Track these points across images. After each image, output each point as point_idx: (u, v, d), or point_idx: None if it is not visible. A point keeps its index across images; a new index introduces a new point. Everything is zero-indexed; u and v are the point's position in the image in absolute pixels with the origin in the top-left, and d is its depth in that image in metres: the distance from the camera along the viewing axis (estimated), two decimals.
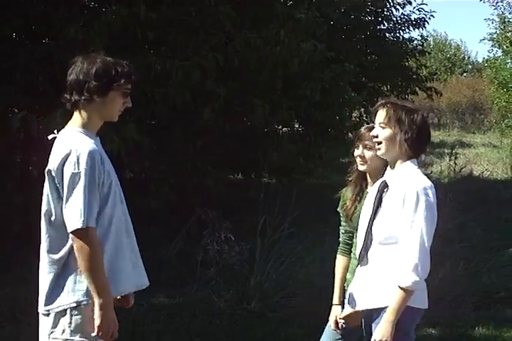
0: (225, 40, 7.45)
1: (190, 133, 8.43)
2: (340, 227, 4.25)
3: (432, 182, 3.47)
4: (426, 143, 3.57)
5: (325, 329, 4.25)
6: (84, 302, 3.23)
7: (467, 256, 8.68)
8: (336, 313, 4.10)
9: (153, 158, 8.13)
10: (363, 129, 4.02)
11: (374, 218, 3.51)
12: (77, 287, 3.24)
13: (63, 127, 3.39)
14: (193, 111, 7.55)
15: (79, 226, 3.12)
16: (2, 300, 6.13)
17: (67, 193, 3.16)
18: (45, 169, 3.28)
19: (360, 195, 4.06)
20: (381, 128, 3.50)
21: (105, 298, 3.18)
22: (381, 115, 3.51)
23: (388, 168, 3.57)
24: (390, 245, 3.42)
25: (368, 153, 3.91)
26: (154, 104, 7.07)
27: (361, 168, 3.97)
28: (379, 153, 3.54)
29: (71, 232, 3.15)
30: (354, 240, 4.08)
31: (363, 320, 3.71)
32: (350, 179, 4.12)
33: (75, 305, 3.23)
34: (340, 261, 4.24)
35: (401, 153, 3.46)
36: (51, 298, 3.28)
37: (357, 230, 4.00)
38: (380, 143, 3.50)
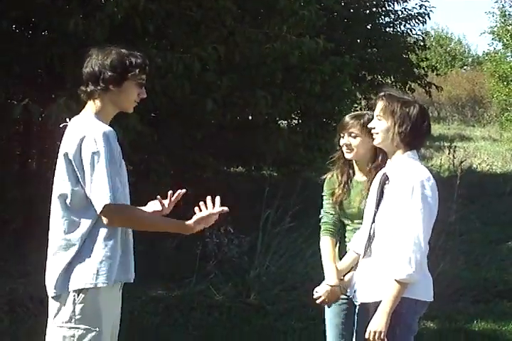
0: (226, 34, 7.42)
1: (190, 125, 8.41)
2: (324, 210, 4.17)
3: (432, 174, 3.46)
4: (422, 137, 3.55)
5: (328, 323, 4.17)
6: (92, 286, 3.25)
7: (467, 249, 8.70)
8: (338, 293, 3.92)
9: (153, 149, 8.11)
10: (347, 117, 4.01)
11: (377, 211, 3.52)
12: (86, 271, 3.25)
13: (68, 116, 3.44)
14: (194, 102, 7.54)
15: (106, 202, 3.16)
16: (0, 293, 6.12)
17: (90, 173, 3.20)
18: (53, 159, 3.32)
19: (348, 183, 4.04)
20: (378, 120, 3.52)
21: (185, 227, 3.52)
22: (378, 107, 3.53)
23: (388, 159, 3.57)
24: (391, 238, 3.42)
25: (353, 141, 3.90)
26: (155, 96, 7.06)
27: (348, 156, 3.96)
28: (374, 142, 3.56)
29: (101, 211, 3.18)
30: (346, 226, 4.07)
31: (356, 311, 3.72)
32: (336, 167, 4.10)
33: (84, 287, 3.25)
34: (328, 241, 4.07)
35: (394, 145, 3.47)
36: (63, 281, 3.29)
37: (346, 217, 4.00)
38: (377, 133, 3.52)
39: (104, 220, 3.21)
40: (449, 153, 16.00)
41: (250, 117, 9.48)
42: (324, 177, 4.21)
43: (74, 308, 3.27)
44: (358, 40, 13.25)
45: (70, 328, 3.28)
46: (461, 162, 14.60)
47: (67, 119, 3.44)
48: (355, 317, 3.78)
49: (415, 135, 3.46)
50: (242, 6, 7.63)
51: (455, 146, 16.02)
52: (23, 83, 7.18)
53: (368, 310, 3.51)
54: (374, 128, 3.53)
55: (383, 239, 3.48)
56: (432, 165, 16.78)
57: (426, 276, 3.53)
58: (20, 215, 7.56)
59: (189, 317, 6.24)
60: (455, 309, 6.77)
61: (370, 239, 3.56)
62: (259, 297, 6.62)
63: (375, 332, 3.37)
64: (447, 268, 7.33)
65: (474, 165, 16.22)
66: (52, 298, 3.34)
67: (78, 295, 3.26)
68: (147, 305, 6.39)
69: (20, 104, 5.93)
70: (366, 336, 3.42)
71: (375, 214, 3.54)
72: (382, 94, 3.56)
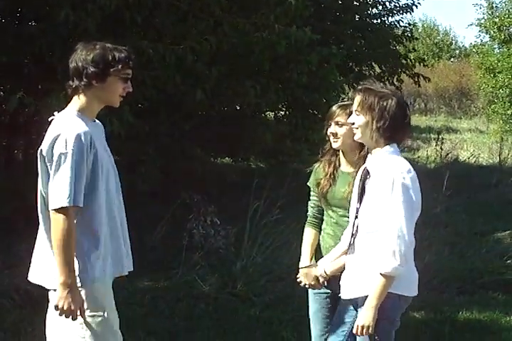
0: (214, 24, 7.39)
1: (178, 116, 8.39)
2: (310, 201, 4.23)
3: (415, 166, 3.46)
4: (402, 130, 3.52)
5: (312, 317, 4.20)
6: (80, 286, 3.27)
7: (452, 240, 8.75)
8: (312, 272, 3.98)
9: (140, 140, 8.10)
10: (334, 107, 4.02)
11: (359, 206, 3.51)
12: (76, 266, 3.27)
13: (62, 109, 3.45)
14: (183, 93, 7.52)
15: (65, 205, 3.16)
16: None
17: (54, 173, 3.21)
18: (36, 151, 3.34)
19: (334, 173, 4.04)
20: (356, 115, 3.50)
21: (67, 278, 3.21)
22: (356, 101, 3.51)
23: (369, 154, 3.57)
24: (375, 233, 3.43)
25: (339, 130, 3.90)
26: (144, 88, 7.03)
27: (335, 145, 3.96)
28: (355, 137, 3.55)
29: (53, 209, 3.18)
30: (327, 218, 4.08)
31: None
32: (323, 157, 4.11)
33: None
34: (309, 232, 4.17)
35: (374, 140, 3.46)
36: (52, 276, 3.30)
37: (329, 208, 4.01)
38: (356, 128, 3.51)
39: (52, 219, 3.20)
40: (436, 145, 16.09)
41: (238, 108, 9.46)
42: (311, 167, 4.22)
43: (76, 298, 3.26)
44: (346, 32, 13.21)
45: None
46: (448, 154, 14.73)
47: (55, 113, 3.45)
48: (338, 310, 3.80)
49: (394, 129, 3.44)
50: None
51: (442, 138, 16.11)
52: (10, 73, 7.13)
53: (352, 305, 3.53)
54: (353, 123, 3.52)
55: (367, 234, 3.47)
56: (418, 157, 16.85)
57: (411, 271, 3.54)
58: (7, 205, 7.52)
59: (175, 308, 6.24)
60: (440, 300, 6.80)
61: (354, 235, 3.56)
62: (246, 288, 6.63)
63: (362, 327, 3.38)
64: (433, 259, 7.37)
65: (461, 157, 16.27)
66: (54, 289, 3.34)
67: (81, 287, 3.29)
68: (133, 295, 6.38)
69: (16, 97, 5.89)
70: (354, 331, 3.43)
71: (357, 210, 3.54)
72: (360, 88, 3.54)
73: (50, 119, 3.43)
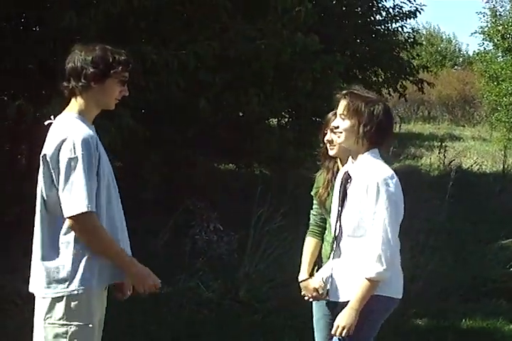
0: (220, 31, 7.40)
1: (182, 122, 8.39)
2: (312, 210, 4.22)
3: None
4: (387, 136, 3.51)
5: (316, 324, 4.19)
6: (81, 291, 3.24)
7: (455, 248, 8.73)
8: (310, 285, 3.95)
9: (143, 146, 8.10)
10: (330, 114, 4.01)
11: (341, 210, 3.50)
12: (72, 275, 3.24)
13: (60, 113, 3.39)
14: (187, 100, 7.52)
15: (84, 210, 3.12)
16: None
17: (64, 179, 3.16)
18: (39, 156, 3.28)
19: (332, 181, 4.01)
20: (341, 120, 3.48)
21: (132, 268, 3.32)
22: (341, 106, 3.49)
23: (350, 158, 3.56)
24: (359, 237, 3.42)
25: (335, 138, 3.88)
26: (149, 93, 7.03)
27: (331, 152, 3.95)
28: (339, 141, 3.54)
29: (72, 217, 3.15)
30: (327, 225, 4.06)
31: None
32: (323, 164, 4.11)
33: (72, 292, 3.24)
34: (309, 242, 4.15)
35: (359, 144, 3.44)
36: (48, 283, 3.27)
37: (329, 216, 4.01)
38: (340, 132, 3.49)
39: (71, 226, 3.18)
40: (439, 153, 16.07)
41: (242, 114, 9.46)
42: (315, 175, 4.22)
43: (68, 306, 3.25)
44: (350, 38, 13.23)
45: (63, 325, 3.27)
46: (451, 161, 14.71)
47: (52, 117, 3.40)
48: None
49: (380, 134, 3.43)
50: (235, 3, 7.61)
51: (445, 146, 16.09)
52: (12, 78, 7.14)
53: (338, 308, 3.51)
54: (337, 127, 3.50)
55: (351, 239, 3.47)
56: (421, 165, 16.84)
57: (398, 273, 3.52)
58: (10, 210, 7.52)
59: (178, 314, 6.23)
60: (444, 307, 6.79)
61: (338, 239, 3.55)
62: (249, 294, 6.62)
63: (343, 328, 3.37)
64: (436, 267, 7.37)
65: (464, 165, 16.25)
66: (43, 297, 3.31)
67: (68, 297, 3.25)
68: (135, 302, 6.37)
69: (15, 104, 5.90)
70: (332, 332, 3.42)
71: (339, 214, 3.53)
72: (345, 92, 3.52)
73: (47, 123, 3.38)
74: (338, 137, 3.52)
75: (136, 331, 5.72)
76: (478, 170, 16.16)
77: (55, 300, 3.26)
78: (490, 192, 13.03)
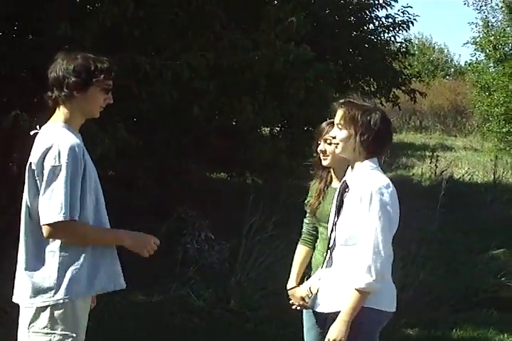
0: (214, 40, 7.41)
1: (175, 130, 8.39)
2: (305, 218, 4.23)
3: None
4: (385, 144, 3.51)
5: (306, 334, 4.19)
6: (66, 300, 3.22)
7: (447, 258, 8.74)
8: (297, 293, 3.98)
9: (136, 155, 8.09)
10: (323, 124, 4.03)
11: (337, 219, 3.50)
12: (58, 284, 3.22)
13: (45, 123, 3.38)
14: (180, 109, 7.52)
15: (60, 219, 3.11)
16: None
17: (45, 186, 3.15)
18: (26, 164, 3.28)
19: (324, 190, 4.04)
20: (338, 129, 3.47)
21: (127, 240, 3.36)
22: (338, 115, 3.48)
23: (349, 167, 3.55)
24: (351, 246, 3.40)
25: (328, 148, 3.89)
26: (142, 103, 7.03)
27: (324, 162, 3.96)
28: (337, 151, 3.53)
29: (47, 224, 3.13)
30: (319, 234, 4.07)
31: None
32: (316, 173, 4.12)
33: (56, 302, 3.22)
34: (301, 250, 4.17)
35: (356, 154, 3.44)
36: (34, 292, 3.26)
37: (320, 225, 4.01)
38: (337, 143, 3.48)
39: (45, 233, 3.17)
40: (430, 163, 16.11)
41: (234, 123, 9.47)
42: (309, 184, 4.23)
43: (52, 314, 3.24)
44: (342, 47, 13.27)
45: (47, 334, 3.25)
46: (442, 171, 14.75)
47: (38, 127, 3.39)
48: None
49: (378, 143, 3.42)
50: (229, 12, 7.62)
51: (437, 156, 16.13)
52: (7, 84, 7.13)
53: (329, 319, 3.49)
54: (334, 137, 3.50)
55: (344, 248, 3.45)
56: (413, 175, 16.86)
57: (390, 286, 3.49)
58: (2, 217, 7.49)
59: (169, 322, 6.22)
60: (435, 317, 6.79)
61: (331, 248, 3.54)
62: (240, 303, 6.61)
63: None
64: (427, 276, 7.37)
65: (455, 175, 16.30)
66: (26, 307, 3.30)
67: (53, 306, 3.24)
68: (127, 310, 6.36)
69: (11, 115, 5.88)
70: None
71: (334, 223, 3.52)
72: (342, 101, 3.52)
73: (32, 133, 3.37)
74: (336, 147, 3.51)
75: (127, 339, 5.71)
76: (469, 180, 16.21)
77: (40, 309, 3.25)
78: (481, 202, 13.06)
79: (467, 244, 9.82)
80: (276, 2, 9.13)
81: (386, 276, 3.36)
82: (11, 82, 7.11)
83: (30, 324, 3.28)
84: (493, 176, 15.95)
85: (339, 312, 3.37)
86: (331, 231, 3.55)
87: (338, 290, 3.45)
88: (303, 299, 3.87)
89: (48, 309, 3.24)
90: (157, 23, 7.11)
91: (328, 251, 3.57)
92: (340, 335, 3.32)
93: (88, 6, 7.17)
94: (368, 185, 3.35)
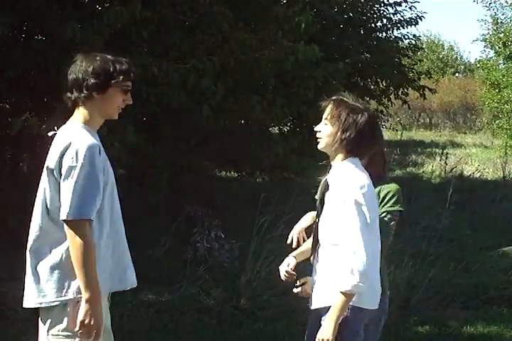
0: (221, 40, 7.42)
1: (185, 130, 8.41)
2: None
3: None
4: (367, 146, 3.47)
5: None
6: (78, 300, 3.22)
7: (457, 255, 8.73)
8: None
9: (147, 155, 8.12)
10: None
11: (318, 220, 3.52)
12: (69, 283, 3.23)
13: (63, 124, 3.41)
14: (189, 109, 7.53)
15: (70, 218, 3.13)
16: None
17: (63, 186, 3.18)
18: (39, 163, 3.31)
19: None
20: (324, 124, 3.47)
21: (92, 294, 3.16)
22: (326, 111, 3.48)
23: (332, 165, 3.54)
24: (334, 246, 3.40)
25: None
26: (150, 104, 7.05)
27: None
28: (318, 146, 3.51)
29: (66, 220, 3.16)
30: None
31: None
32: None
33: (70, 299, 3.23)
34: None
35: (337, 151, 3.43)
36: (44, 292, 3.27)
37: None
38: (320, 137, 3.48)
39: (66, 229, 3.18)
40: (440, 160, 16.08)
41: (244, 122, 9.48)
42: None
43: (72, 316, 3.23)
44: (351, 46, 13.24)
45: (67, 336, 3.25)
46: (452, 169, 14.73)
47: (55, 128, 3.42)
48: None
49: (359, 143, 3.40)
50: (237, 12, 7.63)
51: (447, 153, 16.11)
52: (15, 88, 7.16)
53: (318, 314, 3.51)
54: (319, 131, 3.50)
55: (328, 246, 3.45)
56: (423, 172, 16.85)
57: (373, 285, 3.43)
58: (12, 218, 7.53)
59: (179, 321, 6.23)
60: (445, 314, 6.78)
61: (317, 244, 3.55)
62: (250, 302, 6.62)
63: (322, 340, 3.38)
64: (437, 274, 7.36)
65: (465, 172, 16.27)
66: (45, 308, 3.30)
67: (64, 305, 3.24)
68: (137, 309, 6.38)
69: (20, 120, 5.90)
70: None
71: (317, 223, 3.53)
72: (334, 98, 3.52)
73: (51, 134, 3.40)
74: (319, 142, 3.50)
75: (137, 338, 5.72)
76: (479, 177, 16.18)
77: (58, 309, 3.26)
78: (491, 199, 13.03)
79: (477, 242, 9.80)
80: (284, 1, 9.14)
81: (371, 276, 3.31)
82: (19, 83, 7.15)
83: (49, 325, 3.28)
84: (502, 173, 15.91)
85: (328, 307, 3.39)
86: (314, 230, 3.56)
87: (326, 287, 3.47)
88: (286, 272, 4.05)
89: (65, 311, 3.24)
90: (165, 24, 7.12)
91: (313, 248, 3.59)
92: (328, 335, 3.35)
93: (97, 6, 7.18)
94: (343, 185, 3.34)
